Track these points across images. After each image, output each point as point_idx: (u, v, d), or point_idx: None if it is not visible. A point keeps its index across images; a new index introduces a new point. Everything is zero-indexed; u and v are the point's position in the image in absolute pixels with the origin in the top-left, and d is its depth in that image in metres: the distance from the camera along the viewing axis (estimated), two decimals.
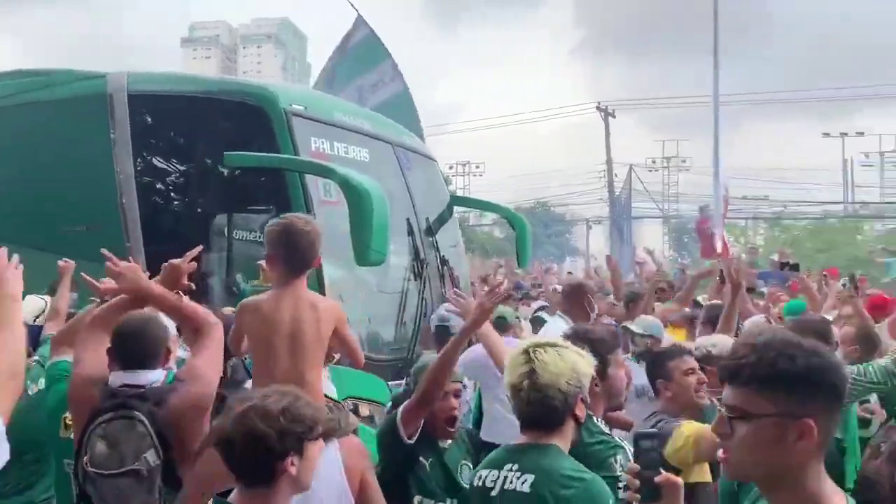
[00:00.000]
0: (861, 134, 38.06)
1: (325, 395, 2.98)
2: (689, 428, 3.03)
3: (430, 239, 6.35)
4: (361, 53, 9.60)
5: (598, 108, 35.06)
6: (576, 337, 2.79)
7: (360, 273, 5.31)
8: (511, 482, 2.36)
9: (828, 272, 7.99)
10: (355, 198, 4.75)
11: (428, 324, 5.33)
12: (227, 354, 3.36)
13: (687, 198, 33.52)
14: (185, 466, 2.48)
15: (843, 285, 6.64)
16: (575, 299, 5.07)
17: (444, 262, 6.35)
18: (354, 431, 2.98)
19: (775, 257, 15.03)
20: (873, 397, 3.12)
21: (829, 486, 1.52)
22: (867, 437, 3.43)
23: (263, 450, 1.98)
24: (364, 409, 4.48)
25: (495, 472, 2.46)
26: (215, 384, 2.66)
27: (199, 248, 3.00)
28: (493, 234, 38.65)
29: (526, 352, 2.45)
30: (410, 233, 6.05)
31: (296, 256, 2.93)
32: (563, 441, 2.40)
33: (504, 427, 5.27)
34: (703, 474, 3.04)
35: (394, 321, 5.82)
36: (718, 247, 13.20)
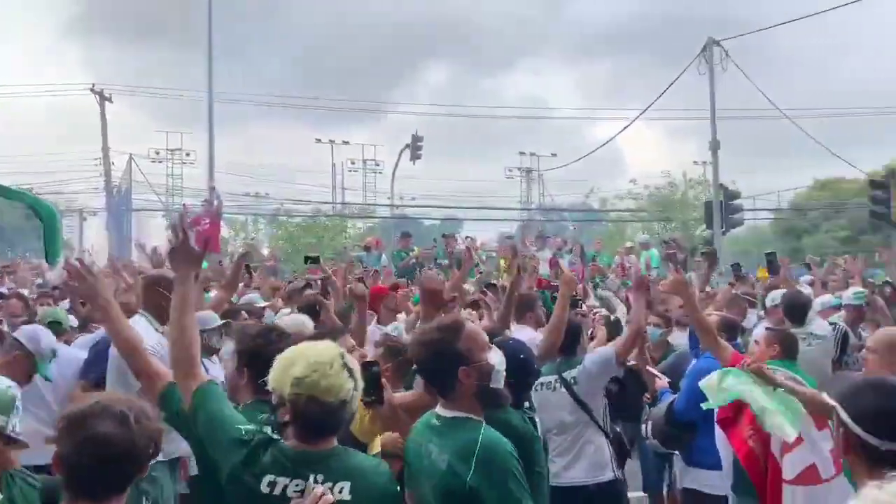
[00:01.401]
0: (347, 142, 42.76)
1: None
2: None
3: None
4: None
5: (92, 90, 32.53)
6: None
7: None
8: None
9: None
10: None
11: None
12: None
13: (192, 192, 33.28)
14: None
15: None
16: (153, 294, 4.53)
17: None
18: None
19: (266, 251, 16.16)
20: None
21: None
22: None
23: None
24: None
25: (298, 480, 2.26)
26: None
27: None
28: None
29: (343, 364, 2.31)
30: None
31: None
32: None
33: None
34: (378, 445, 3.37)
35: None
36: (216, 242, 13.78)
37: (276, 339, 3.03)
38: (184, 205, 18.18)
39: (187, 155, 38.20)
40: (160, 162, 38.30)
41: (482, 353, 2.61)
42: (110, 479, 1.98)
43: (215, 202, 15.10)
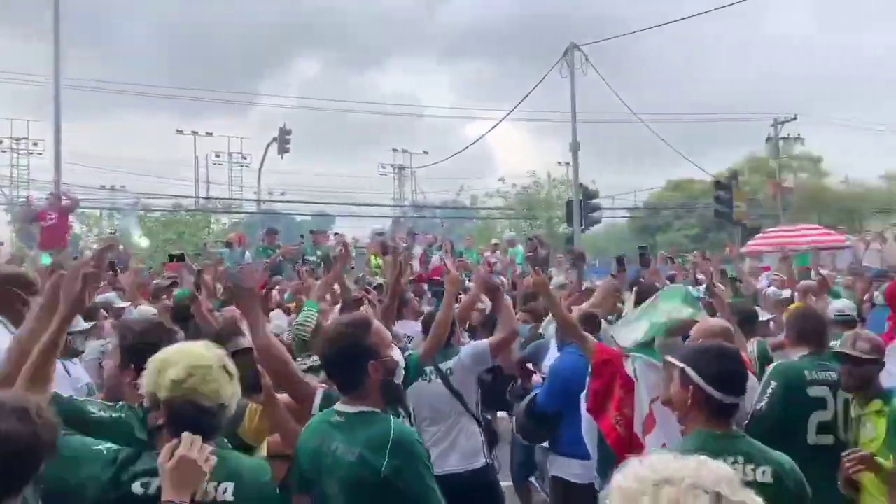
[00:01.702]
0: (211, 134, 41.14)
1: None
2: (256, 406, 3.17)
3: None
4: None
5: None
6: None
7: None
8: (209, 494, 2.17)
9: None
10: None
11: None
12: None
13: (39, 184, 30.97)
14: None
15: None
16: (7, 295, 3.95)
17: None
18: None
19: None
20: None
21: None
22: None
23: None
24: None
25: None
26: None
27: None
28: None
29: (223, 367, 2.25)
30: None
31: None
32: None
33: None
34: (265, 448, 3.25)
35: None
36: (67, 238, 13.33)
37: (164, 336, 2.87)
38: (27, 198, 16.92)
39: (35, 144, 35.65)
40: (4, 151, 35.53)
41: (388, 349, 2.69)
42: (13, 478, 1.87)
43: (68, 201, 14.21)
